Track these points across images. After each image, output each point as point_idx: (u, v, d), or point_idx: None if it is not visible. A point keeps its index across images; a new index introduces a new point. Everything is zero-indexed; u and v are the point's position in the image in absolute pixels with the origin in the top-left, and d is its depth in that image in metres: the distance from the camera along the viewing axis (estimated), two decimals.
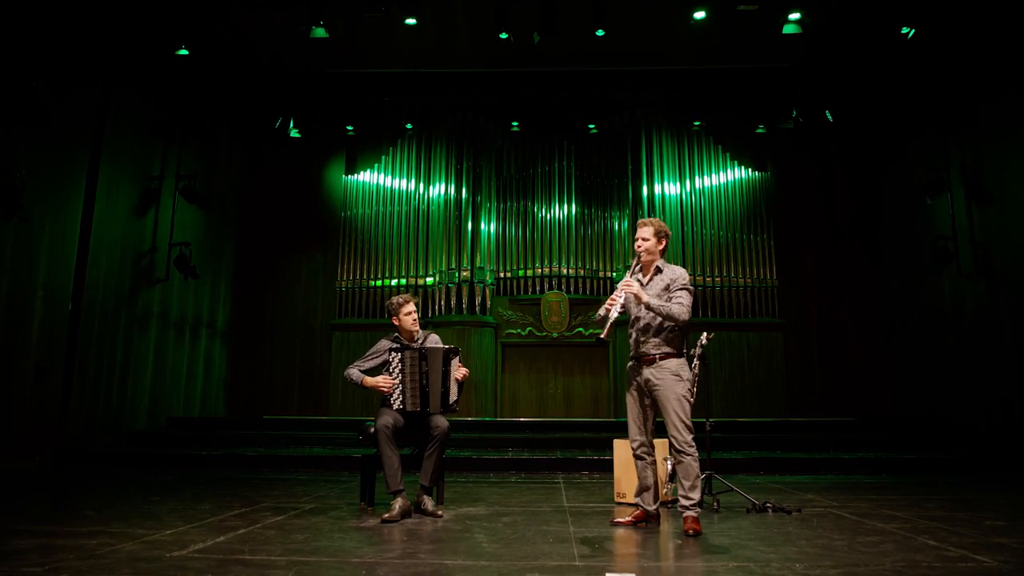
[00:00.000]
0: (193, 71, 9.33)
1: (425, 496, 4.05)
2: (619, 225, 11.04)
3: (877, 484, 5.72)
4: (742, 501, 4.48)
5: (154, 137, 9.04)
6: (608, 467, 6.75)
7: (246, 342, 11.00)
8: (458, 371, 4.36)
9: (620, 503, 4.59)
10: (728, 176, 11.18)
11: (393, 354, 4.28)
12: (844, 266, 10.88)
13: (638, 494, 3.76)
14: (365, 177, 11.49)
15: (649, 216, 10.70)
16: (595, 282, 10.90)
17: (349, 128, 11.12)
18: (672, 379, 3.64)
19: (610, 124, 11.31)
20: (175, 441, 8.35)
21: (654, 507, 3.74)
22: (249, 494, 4.99)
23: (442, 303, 10.64)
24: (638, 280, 3.88)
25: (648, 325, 3.75)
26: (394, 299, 4.51)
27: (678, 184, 11.03)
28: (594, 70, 10.68)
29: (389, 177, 11.47)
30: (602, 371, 10.78)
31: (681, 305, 3.67)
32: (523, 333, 10.75)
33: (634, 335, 3.83)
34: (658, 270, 3.86)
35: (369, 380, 4.31)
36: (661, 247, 3.88)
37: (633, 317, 3.84)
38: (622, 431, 9.12)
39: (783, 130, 10.87)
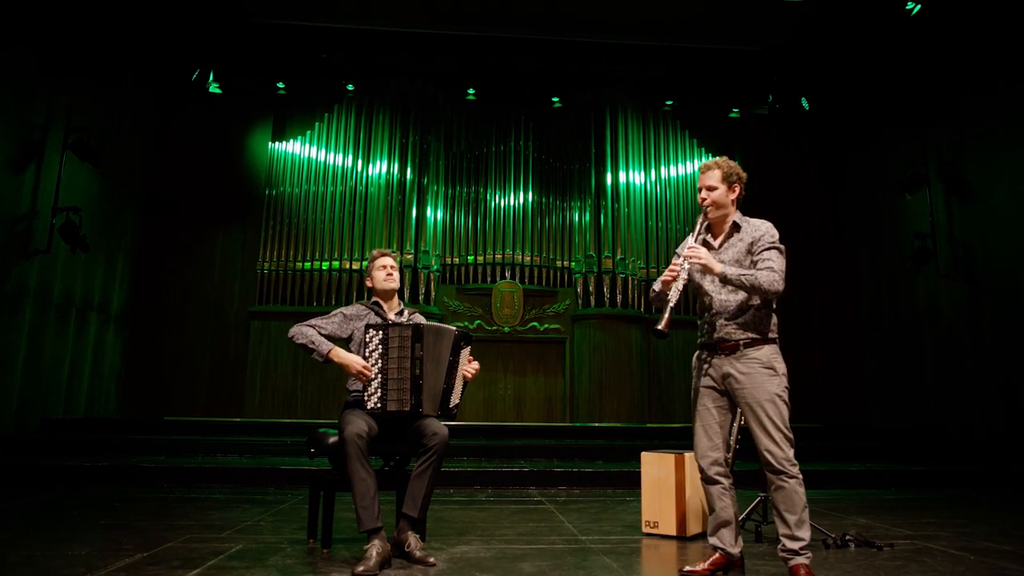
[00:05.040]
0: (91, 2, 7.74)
1: (410, 534, 2.88)
2: (580, 217, 10.10)
3: (903, 500, 5.02)
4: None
5: (37, 79, 7.38)
6: (584, 480, 5.84)
7: (145, 330, 9.37)
8: (469, 365, 3.24)
9: (650, 534, 3.59)
10: (695, 166, 10.47)
11: (372, 332, 3.09)
12: (814, 264, 10.34)
13: (714, 531, 2.77)
14: (295, 148, 10.07)
15: (613, 205, 9.84)
16: (552, 272, 9.94)
17: (280, 85, 9.67)
18: (764, 374, 2.69)
19: (573, 101, 10.38)
20: (50, 448, 6.75)
21: (738, 550, 2.76)
22: (145, 525, 3.69)
23: None
24: (705, 243, 2.91)
25: (726, 301, 2.79)
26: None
27: (643, 173, 10.24)
28: (557, 39, 9.71)
29: (323, 150, 10.10)
30: (557, 371, 9.84)
31: (771, 271, 2.70)
32: (471, 326, 9.65)
33: (707, 315, 2.87)
34: (735, 227, 2.89)
35: (342, 354, 3.12)
36: (734, 195, 2.89)
37: (704, 292, 2.88)
38: (590, 439, 8.21)
39: (753, 118, 10.29)
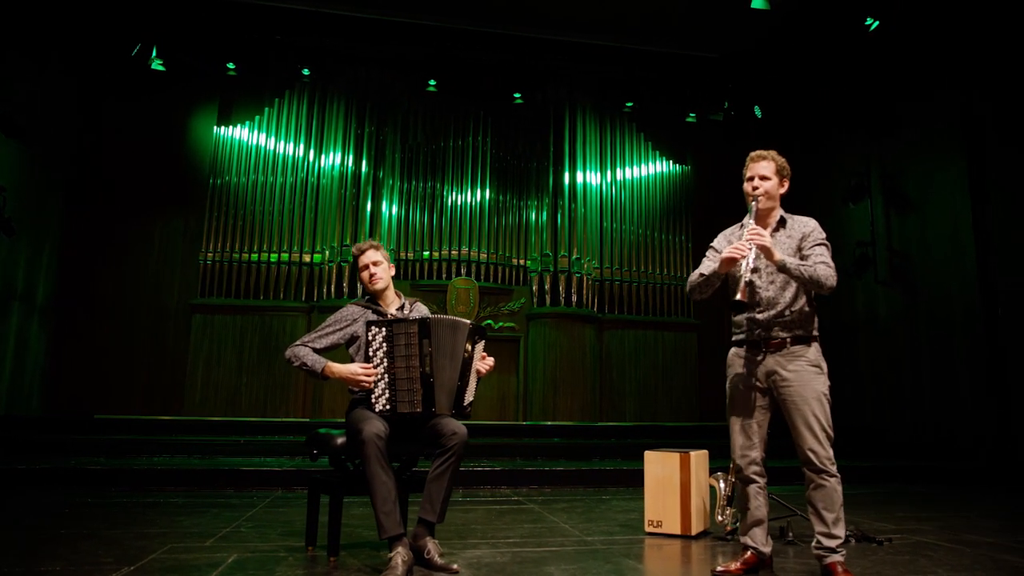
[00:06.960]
0: None
1: (429, 539, 2.75)
2: (536, 215, 10.06)
3: (861, 495, 5.23)
4: (800, 525, 3.65)
5: None
6: (555, 479, 5.79)
7: (74, 322, 8.71)
8: (483, 361, 3.11)
9: (654, 533, 3.56)
10: (649, 169, 10.61)
11: (374, 329, 2.92)
12: None
13: (746, 531, 2.77)
14: (242, 135, 9.57)
15: (570, 204, 9.86)
16: (508, 270, 9.86)
17: (230, 66, 9.14)
18: (811, 372, 2.72)
19: (533, 99, 10.32)
20: None
21: (769, 549, 2.76)
22: (114, 534, 3.38)
23: (332, 286, 9.09)
24: None
25: (775, 296, 2.77)
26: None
27: (599, 173, 10.30)
28: (520, 35, 9.63)
29: (272, 138, 9.65)
30: (511, 369, 9.77)
31: (828, 266, 2.71)
32: None
33: (750, 312, 2.83)
34: (782, 222, 2.89)
35: (337, 367, 2.94)
36: (783, 190, 2.91)
37: (753, 286, 2.82)
38: (546, 437, 8.24)
39: (708, 124, 10.49)
